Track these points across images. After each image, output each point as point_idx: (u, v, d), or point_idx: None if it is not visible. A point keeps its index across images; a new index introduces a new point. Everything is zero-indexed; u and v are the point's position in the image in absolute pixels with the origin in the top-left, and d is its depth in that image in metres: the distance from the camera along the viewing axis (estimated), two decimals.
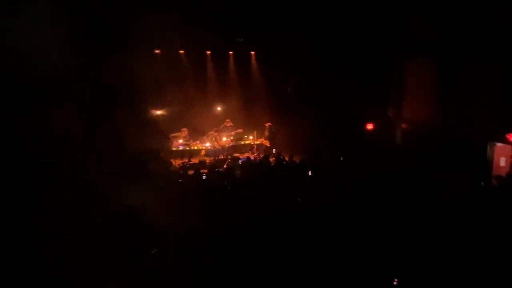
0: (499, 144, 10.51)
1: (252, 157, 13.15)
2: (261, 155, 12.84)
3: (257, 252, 4.93)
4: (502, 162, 10.35)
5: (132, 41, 11.24)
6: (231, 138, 13.77)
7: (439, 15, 11.34)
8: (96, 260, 4.45)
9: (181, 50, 14.40)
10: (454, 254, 4.81)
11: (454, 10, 10.84)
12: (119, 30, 10.74)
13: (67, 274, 4.28)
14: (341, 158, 10.73)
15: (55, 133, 8.58)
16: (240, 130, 13.93)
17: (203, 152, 13.61)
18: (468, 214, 6.07)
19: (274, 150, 13.28)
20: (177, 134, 13.20)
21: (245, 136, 14.01)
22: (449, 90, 11.42)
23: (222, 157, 13.31)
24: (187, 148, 13.24)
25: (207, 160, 13.18)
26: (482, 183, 8.18)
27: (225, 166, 11.68)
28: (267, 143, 13.84)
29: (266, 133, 13.93)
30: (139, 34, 11.18)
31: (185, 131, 13.28)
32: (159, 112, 13.92)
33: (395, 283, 4.15)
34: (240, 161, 12.29)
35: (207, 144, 13.48)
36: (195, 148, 13.43)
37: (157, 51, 13.96)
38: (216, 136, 13.58)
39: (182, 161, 12.94)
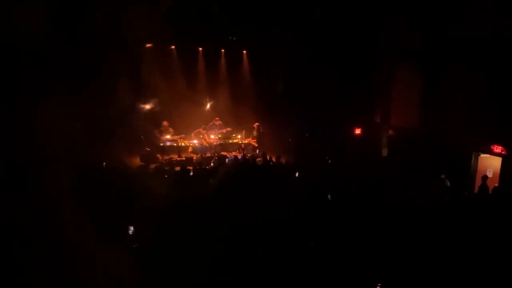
0: (483, 155, 10.66)
1: (239, 156, 13.11)
2: (248, 155, 12.81)
3: (242, 250, 4.92)
4: (490, 173, 10.39)
5: (123, 34, 11.10)
6: (219, 136, 13.71)
7: (427, 24, 11.46)
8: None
9: (173, 45, 14.27)
10: (435, 260, 4.85)
11: (441, 19, 10.97)
12: (110, 22, 10.60)
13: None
14: (329, 161, 10.78)
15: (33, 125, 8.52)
16: (229, 129, 13.88)
17: (190, 149, 13.53)
18: (449, 221, 6.16)
19: (257, 151, 13.31)
20: (160, 129, 13.08)
21: (233, 135, 13.96)
22: (434, 99, 11.55)
23: (209, 155, 13.25)
24: (175, 144, 13.14)
25: (194, 157, 13.10)
26: (466, 193, 8.30)
27: (211, 164, 11.62)
28: (254, 143, 13.82)
29: (254, 133, 13.90)
30: (130, 27, 11.04)
31: (165, 124, 13.15)
32: (147, 107, 13.80)
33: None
34: (227, 160, 12.25)
35: (195, 141, 13.40)
36: (183, 144, 13.34)
37: (149, 45, 13.83)
38: (204, 134, 13.50)
39: (169, 157, 12.84)
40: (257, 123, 13.88)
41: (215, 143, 13.56)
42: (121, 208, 5.80)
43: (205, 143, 13.43)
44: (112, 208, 5.77)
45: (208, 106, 15.06)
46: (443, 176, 9.11)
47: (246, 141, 13.99)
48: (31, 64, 9.35)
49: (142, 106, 13.68)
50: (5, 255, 4.45)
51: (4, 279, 4.20)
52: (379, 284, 4.17)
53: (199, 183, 8.03)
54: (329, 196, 7.18)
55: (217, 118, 14.00)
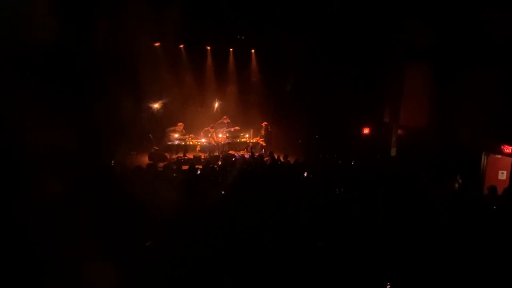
0: (493, 155, 10.55)
1: (247, 155, 13.11)
2: (256, 154, 12.81)
3: (249, 250, 4.92)
4: (502, 175, 10.22)
5: (133, 33, 11.17)
6: (227, 135, 13.74)
7: (438, 21, 11.36)
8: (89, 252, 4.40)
9: (181, 44, 14.33)
10: (444, 260, 4.82)
11: (452, 18, 10.87)
12: (119, 21, 10.64)
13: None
14: (339, 162, 10.74)
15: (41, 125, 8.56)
16: (237, 128, 13.91)
17: (198, 148, 13.57)
18: (460, 221, 6.11)
19: (263, 150, 13.31)
20: (173, 128, 13.15)
21: (241, 134, 13.99)
22: (444, 98, 11.46)
23: (217, 154, 13.28)
24: (183, 143, 13.19)
25: (202, 156, 13.14)
26: (477, 192, 8.23)
27: (219, 163, 11.64)
28: (262, 142, 13.83)
29: (262, 132, 13.91)
30: (139, 26, 11.10)
31: (181, 126, 13.24)
32: (156, 106, 13.86)
33: (388, 287, 4.16)
34: (234, 159, 12.25)
35: (203, 140, 13.44)
36: (191, 143, 13.39)
37: (157, 44, 13.89)
38: (212, 133, 13.53)
39: (177, 156, 12.89)
40: (265, 122, 13.89)
41: (223, 142, 13.60)
42: (129, 207, 5.81)
43: (213, 142, 13.47)
44: (120, 207, 5.78)
45: (216, 105, 15.11)
46: (457, 177, 9.01)
47: (254, 140, 14.01)
48: (37, 65, 9.44)
49: (151, 105, 13.76)
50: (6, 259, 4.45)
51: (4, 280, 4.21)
52: (389, 283, 4.16)
53: (207, 182, 8.05)
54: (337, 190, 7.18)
55: (225, 117, 14.04)
